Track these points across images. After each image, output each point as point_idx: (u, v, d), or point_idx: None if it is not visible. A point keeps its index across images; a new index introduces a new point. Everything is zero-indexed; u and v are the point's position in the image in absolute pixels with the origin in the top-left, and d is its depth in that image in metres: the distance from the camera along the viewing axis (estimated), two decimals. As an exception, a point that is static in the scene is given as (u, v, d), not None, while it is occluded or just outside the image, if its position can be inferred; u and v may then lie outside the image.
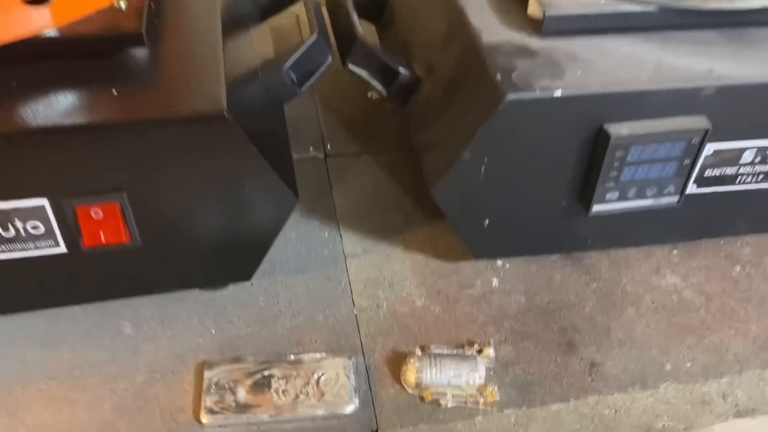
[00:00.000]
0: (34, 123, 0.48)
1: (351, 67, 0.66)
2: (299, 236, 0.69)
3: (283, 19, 0.83)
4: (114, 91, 0.50)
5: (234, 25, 0.66)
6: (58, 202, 0.51)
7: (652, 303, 0.65)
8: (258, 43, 0.72)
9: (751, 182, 0.63)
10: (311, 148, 0.80)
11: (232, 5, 0.68)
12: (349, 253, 0.68)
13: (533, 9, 0.59)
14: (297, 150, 0.77)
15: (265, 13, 0.75)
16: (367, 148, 0.81)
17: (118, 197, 0.52)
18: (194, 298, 0.63)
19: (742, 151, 0.60)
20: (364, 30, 0.68)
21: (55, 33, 0.52)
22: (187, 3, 0.61)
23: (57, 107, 0.49)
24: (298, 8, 0.79)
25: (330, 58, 0.64)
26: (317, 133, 0.82)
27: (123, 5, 0.55)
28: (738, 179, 0.63)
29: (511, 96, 0.52)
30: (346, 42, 0.67)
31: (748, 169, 0.62)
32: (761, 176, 0.63)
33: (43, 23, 0.50)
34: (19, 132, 0.48)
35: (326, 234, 0.70)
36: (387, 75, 0.66)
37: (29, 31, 0.50)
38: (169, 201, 0.54)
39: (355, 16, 0.67)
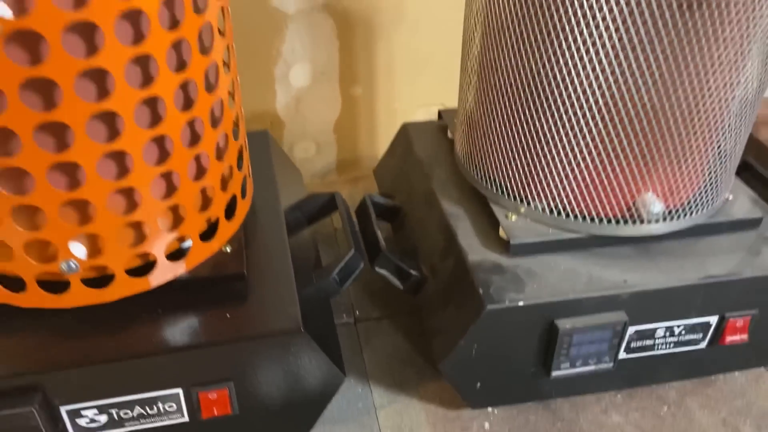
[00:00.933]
0: (173, 342, 0.73)
1: (377, 269, 0.93)
2: (339, 392, 0.92)
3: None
4: (227, 314, 0.76)
5: (291, 232, 0.93)
6: (188, 390, 0.75)
7: (602, 438, 0.88)
8: (307, 245, 0.99)
9: (666, 348, 0.88)
10: (344, 315, 1.05)
11: (288, 217, 0.95)
12: (378, 404, 0.92)
13: (503, 235, 0.86)
14: (334, 317, 1.02)
15: (311, 221, 1.02)
16: (387, 313, 1.06)
17: (227, 385, 0.76)
18: (268, 446, 0.86)
19: (655, 329, 0.86)
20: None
21: (186, 275, 0.78)
22: (264, 234, 0.88)
23: (188, 328, 0.74)
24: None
25: (363, 264, 0.91)
26: (348, 302, 1.08)
27: (229, 249, 0.82)
28: (656, 347, 0.88)
29: (490, 307, 0.78)
30: (373, 249, 0.94)
31: (662, 340, 0.87)
32: (672, 344, 0.88)
33: (179, 270, 0.77)
34: (166, 350, 0.73)
35: (359, 389, 0.94)
36: (403, 275, 0.93)
37: (172, 276, 0.76)
38: (259, 384, 0.78)
39: (379, 232, 0.94)
